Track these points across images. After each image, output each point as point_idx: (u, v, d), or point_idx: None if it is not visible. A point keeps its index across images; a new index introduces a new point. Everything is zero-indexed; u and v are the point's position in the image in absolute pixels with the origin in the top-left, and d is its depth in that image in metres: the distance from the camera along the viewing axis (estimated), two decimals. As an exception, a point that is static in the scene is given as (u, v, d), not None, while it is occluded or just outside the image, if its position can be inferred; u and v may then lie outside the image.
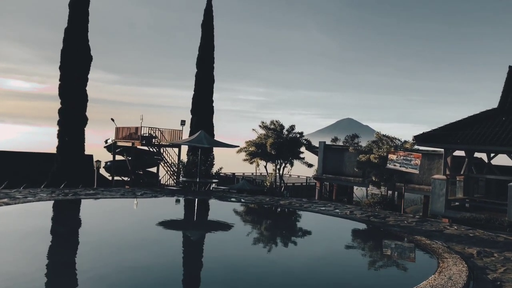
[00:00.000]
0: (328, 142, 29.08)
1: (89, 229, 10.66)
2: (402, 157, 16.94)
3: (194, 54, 30.25)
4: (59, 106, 23.93)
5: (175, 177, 30.55)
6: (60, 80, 23.91)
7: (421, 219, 14.55)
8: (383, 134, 18.40)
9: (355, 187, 31.79)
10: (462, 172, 20.27)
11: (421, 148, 20.04)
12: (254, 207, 15.15)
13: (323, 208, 14.93)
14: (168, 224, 11.95)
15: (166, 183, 31.29)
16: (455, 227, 12.76)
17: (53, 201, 13.43)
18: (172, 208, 15.41)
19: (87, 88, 24.61)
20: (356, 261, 9.20)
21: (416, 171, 16.82)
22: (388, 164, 17.05)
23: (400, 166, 16.88)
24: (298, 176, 40.38)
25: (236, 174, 39.45)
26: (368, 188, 27.29)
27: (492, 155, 21.43)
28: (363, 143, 33.53)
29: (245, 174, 39.81)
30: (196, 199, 16.32)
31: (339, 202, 28.00)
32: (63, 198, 14.01)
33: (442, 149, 19.09)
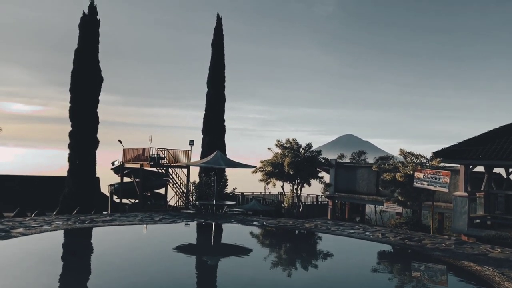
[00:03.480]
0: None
1: (125, 262, 9.63)
2: (429, 175, 16.24)
3: (204, 74, 29.91)
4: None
5: (184, 199, 29.84)
6: (70, 102, 23.38)
7: (458, 241, 13.80)
8: (407, 152, 17.75)
9: (367, 205, 31.14)
10: (482, 188, 19.68)
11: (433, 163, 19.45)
12: (282, 232, 14.41)
13: (352, 231, 14.24)
14: (204, 252, 11.32)
15: (175, 205, 30.56)
16: (498, 249, 12.05)
17: (71, 230, 12.72)
18: (199, 234, 14.72)
19: (97, 110, 24.07)
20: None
21: (446, 190, 16.12)
22: (415, 183, 16.35)
23: (428, 185, 16.17)
24: (308, 195, 39.58)
25: (245, 194, 38.65)
26: (382, 206, 26.59)
27: (510, 170, 20.88)
28: (370, 159, 32.94)
29: (254, 193, 39.02)
30: (219, 224, 15.60)
31: (352, 221, 27.26)
32: (81, 226, 13.32)
33: (459, 165, 18.54)
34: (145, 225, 14.06)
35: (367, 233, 14.00)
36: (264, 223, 15.52)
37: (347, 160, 30.97)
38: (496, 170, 21.23)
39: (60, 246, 11.68)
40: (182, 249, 11.51)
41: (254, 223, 15.63)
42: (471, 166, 18.45)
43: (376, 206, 29.97)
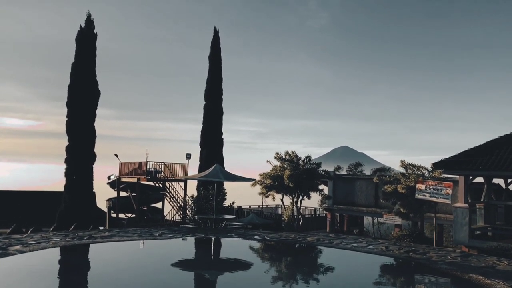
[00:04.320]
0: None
1: (129, 279, 9.30)
2: (431, 187, 16.15)
3: (201, 87, 29.82)
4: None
5: (181, 213, 29.51)
6: (67, 116, 23.17)
7: (463, 253, 13.63)
8: (408, 163, 17.67)
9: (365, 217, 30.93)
10: (482, 199, 19.62)
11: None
12: (285, 247, 14.16)
13: (356, 245, 14.04)
14: (209, 268, 11.02)
15: (173, 219, 30.20)
16: (505, 262, 11.89)
17: (70, 246, 12.42)
18: (201, 249, 14.42)
19: (95, 124, 23.84)
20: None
21: (448, 201, 16.02)
22: (417, 195, 16.24)
23: (430, 196, 16.07)
24: (306, 208, 39.30)
25: (242, 207, 38.30)
26: (381, 219, 26.44)
27: (509, 180, 20.86)
28: (366, 171, 32.84)
29: (252, 206, 38.68)
30: (220, 239, 15.34)
31: (351, 233, 27.03)
32: (80, 243, 13.01)
33: (457, 176, 18.49)
34: (145, 241, 13.77)
35: (370, 246, 13.81)
36: (266, 237, 15.28)
37: (344, 172, 30.89)
38: (495, 180, 21.21)
39: (60, 263, 11.39)
40: (186, 265, 11.27)
41: (256, 237, 15.38)
42: (470, 177, 18.39)
43: (374, 218, 29.85)
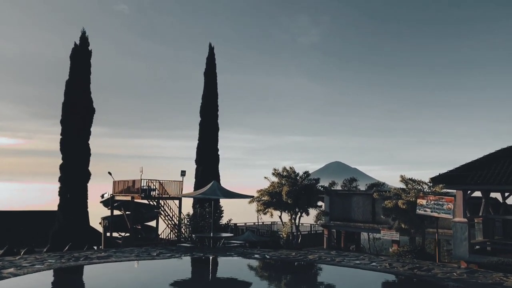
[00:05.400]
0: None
1: None
2: (432, 202, 16.00)
3: (196, 103, 29.71)
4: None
5: (176, 231, 29.02)
6: (61, 134, 22.86)
7: (469, 269, 13.42)
8: (408, 178, 17.55)
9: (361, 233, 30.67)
10: (480, 214, 19.54)
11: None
12: (287, 265, 13.83)
13: (358, 262, 13.77)
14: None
15: (167, 238, 29.68)
16: (512, 278, 11.69)
17: (66, 268, 11.99)
18: (201, 269, 13.99)
19: (89, 142, 23.53)
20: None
21: (450, 216, 15.87)
22: (418, 210, 16.07)
23: (432, 211, 15.91)
24: (302, 224, 38.89)
25: (238, 224, 37.81)
26: (377, 234, 26.18)
27: (506, 194, 20.85)
28: (361, 186, 32.72)
29: (247, 224, 38.23)
30: (220, 258, 14.97)
31: (347, 250, 26.75)
32: (76, 264, 12.59)
33: (454, 190, 18.42)
34: (144, 261, 13.39)
35: (373, 264, 13.55)
36: (266, 256, 14.95)
37: (339, 188, 30.78)
38: (492, 194, 21.19)
39: (56, 286, 10.97)
40: (189, 285, 10.90)
41: (256, 256, 15.04)
42: (469, 192, 18.32)
43: (370, 234, 29.58)
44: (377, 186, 26.51)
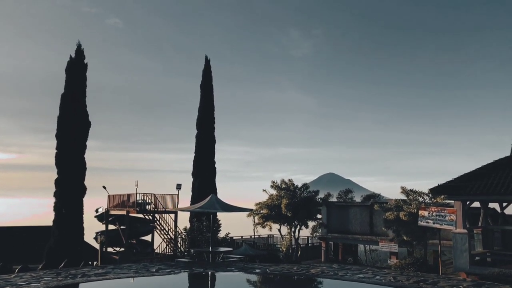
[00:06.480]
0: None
1: None
2: (434, 213, 15.86)
3: (192, 116, 29.48)
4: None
5: (172, 245, 28.60)
6: (56, 148, 22.48)
7: (475, 282, 13.22)
8: (409, 189, 17.41)
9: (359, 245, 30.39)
10: (479, 224, 19.42)
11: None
12: (290, 280, 13.57)
13: (362, 276, 13.52)
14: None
15: (163, 252, 29.24)
16: (519, 290, 11.52)
17: (63, 287, 11.62)
18: (204, 286, 13.70)
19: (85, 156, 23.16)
20: None
21: (452, 227, 15.72)
22: (420, 221, 15.92)
23: (434, 223, 15.77)
24: (299, 237, 38.52)
25: (234, 238, 37.39)
26: (373, 246, 25.95)
27: (504, 204, 20.76)
28: (356, 197, 32.57)
29: (244, 237, 37.82)
30: (221, 273, 14.65)
31: (345, 262, 26.45)
32: (73, 282, 12.22)
33: (452, 201, 18.31)
34: (143, 277, 13.05)
35: (377, 277, 13.29)
36: (267, 270, 14.64)
37: (334, 199, 30.65)
38: (490, 204, 21.11)
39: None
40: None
41: (257, 270, 14.73)
42: (468, 202, 18.22)
43: (367, 245, 29.33)
44: (373, 197, 26.36)
